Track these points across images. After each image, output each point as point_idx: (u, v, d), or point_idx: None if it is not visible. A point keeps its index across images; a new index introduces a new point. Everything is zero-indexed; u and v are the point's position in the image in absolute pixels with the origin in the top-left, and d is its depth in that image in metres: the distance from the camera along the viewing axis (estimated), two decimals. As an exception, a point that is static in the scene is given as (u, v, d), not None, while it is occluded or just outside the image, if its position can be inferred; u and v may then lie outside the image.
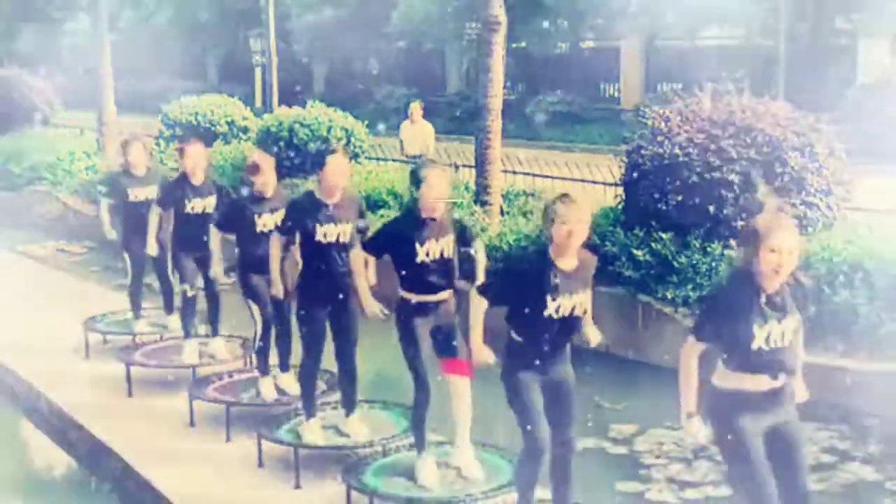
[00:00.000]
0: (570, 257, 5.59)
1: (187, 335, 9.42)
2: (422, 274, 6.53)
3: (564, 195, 5.57)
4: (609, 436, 8.54)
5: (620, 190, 11.99)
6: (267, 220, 8.03)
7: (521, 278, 5.73)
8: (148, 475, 7.36)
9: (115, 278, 13.94)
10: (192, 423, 8.26)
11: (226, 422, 7.95)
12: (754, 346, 4.91)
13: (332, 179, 7.21)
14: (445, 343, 6.66)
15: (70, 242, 17.71)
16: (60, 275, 14.75)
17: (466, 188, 13.87)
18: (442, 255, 6.55)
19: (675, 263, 10.45)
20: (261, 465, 7.43)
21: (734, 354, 4.99)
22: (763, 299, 4.93)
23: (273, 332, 8.27)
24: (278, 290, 7.73)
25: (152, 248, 9.58)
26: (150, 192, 9.87)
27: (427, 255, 6.51)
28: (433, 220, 6.54)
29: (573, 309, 5.62)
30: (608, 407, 9.07)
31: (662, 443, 8.37)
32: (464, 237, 6.79)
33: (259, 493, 7.04)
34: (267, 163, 8.20)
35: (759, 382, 4.99)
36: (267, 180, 8.14)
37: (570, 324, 5.67)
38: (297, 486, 7.07)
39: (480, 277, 6.66)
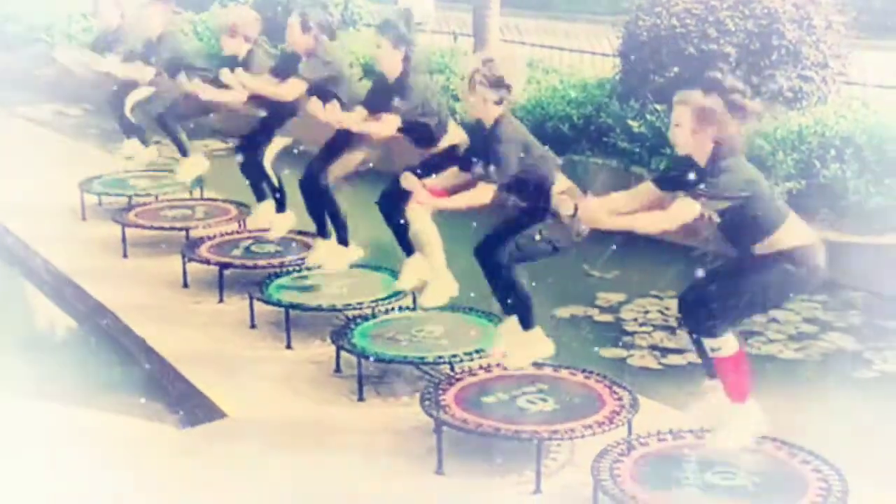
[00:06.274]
0: None
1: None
2: None
3: None
4: (595, 304, 8.69)
5: (618, 61, 11.93)
6: None
7: None
8: (143, 334, 7.54)
9: (111, 141, 13.96)
10: (185, 285, 8.42)
11: (219, 283, 8.11)
12: None
13: None
14: None
15: (67, 105, 17.68)
16: (58, 137, 14.77)
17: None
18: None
19: (670, 136, 10.43)
20: (253, 326, 7.59)
21: None
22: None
23: None
24: None
25: None
26: None
27: None
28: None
29: None
30: (597, 276, 9.19)
31: (647, 311, 8.54)
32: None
33: (251, 353, 7.20)
34: None
35: None
36: None
37: None
38: (289, 347, 7.24)
39: None
